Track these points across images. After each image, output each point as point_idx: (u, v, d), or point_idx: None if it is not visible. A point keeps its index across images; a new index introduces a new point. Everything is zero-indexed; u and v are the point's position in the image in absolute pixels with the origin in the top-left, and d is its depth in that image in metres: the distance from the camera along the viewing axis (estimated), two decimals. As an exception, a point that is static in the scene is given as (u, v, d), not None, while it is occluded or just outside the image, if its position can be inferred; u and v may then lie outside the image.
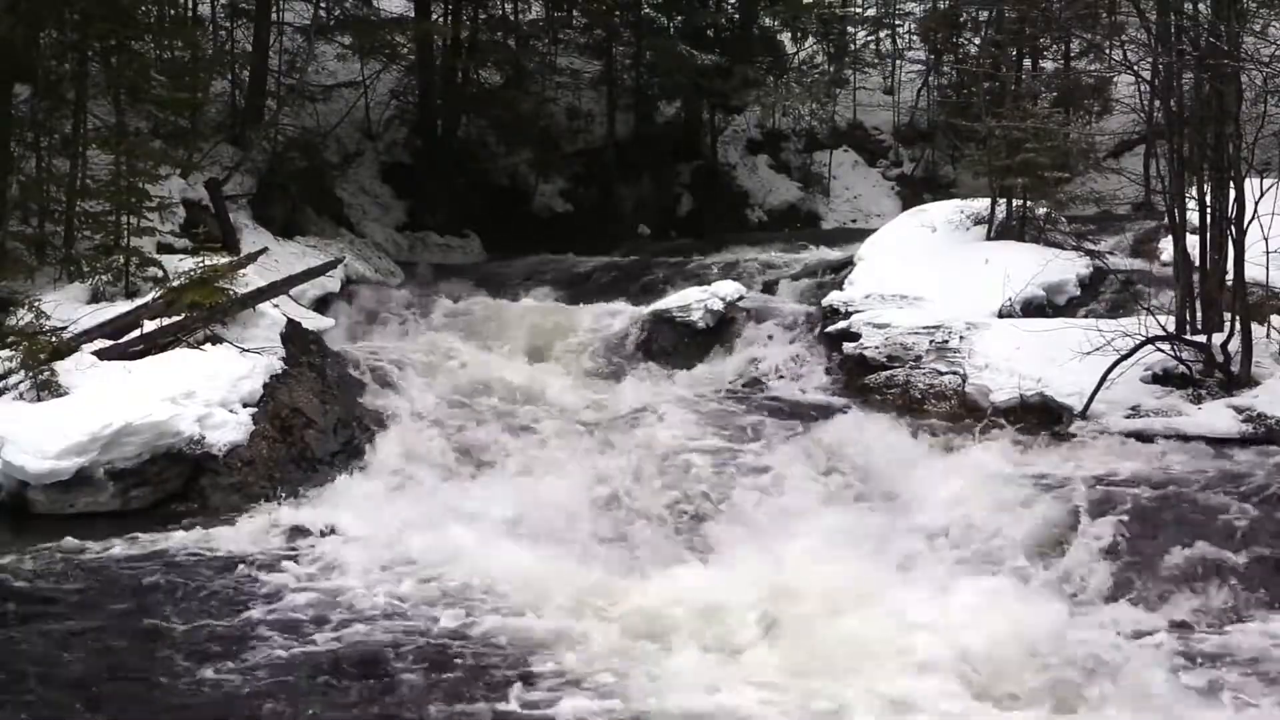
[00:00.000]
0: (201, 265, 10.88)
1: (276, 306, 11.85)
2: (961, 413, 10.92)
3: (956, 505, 8.56)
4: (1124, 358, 10.32)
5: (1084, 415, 10.25)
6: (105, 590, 7.40)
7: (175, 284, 10.83)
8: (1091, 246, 14.10)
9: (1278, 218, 10.27)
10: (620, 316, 13.82)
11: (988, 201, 14.81)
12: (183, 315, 10.71)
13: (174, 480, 9.31)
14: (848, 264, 14.73)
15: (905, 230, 15.14)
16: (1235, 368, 10.29)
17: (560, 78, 23.33)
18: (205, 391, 9.76)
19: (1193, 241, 11.12)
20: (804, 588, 7.31)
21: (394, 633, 6.86)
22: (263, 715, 5.92)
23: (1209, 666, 6.47)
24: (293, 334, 11.34)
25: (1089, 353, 10.40)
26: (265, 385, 10.22)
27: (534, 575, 7.65)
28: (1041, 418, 10.52)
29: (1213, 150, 10.96)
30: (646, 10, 22.80)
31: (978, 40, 21.79)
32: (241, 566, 7.87)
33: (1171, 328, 10.69)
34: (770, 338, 12.99)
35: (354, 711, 5.99)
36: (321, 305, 14.29)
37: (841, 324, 12.57)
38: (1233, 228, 10.55)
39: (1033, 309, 12.65)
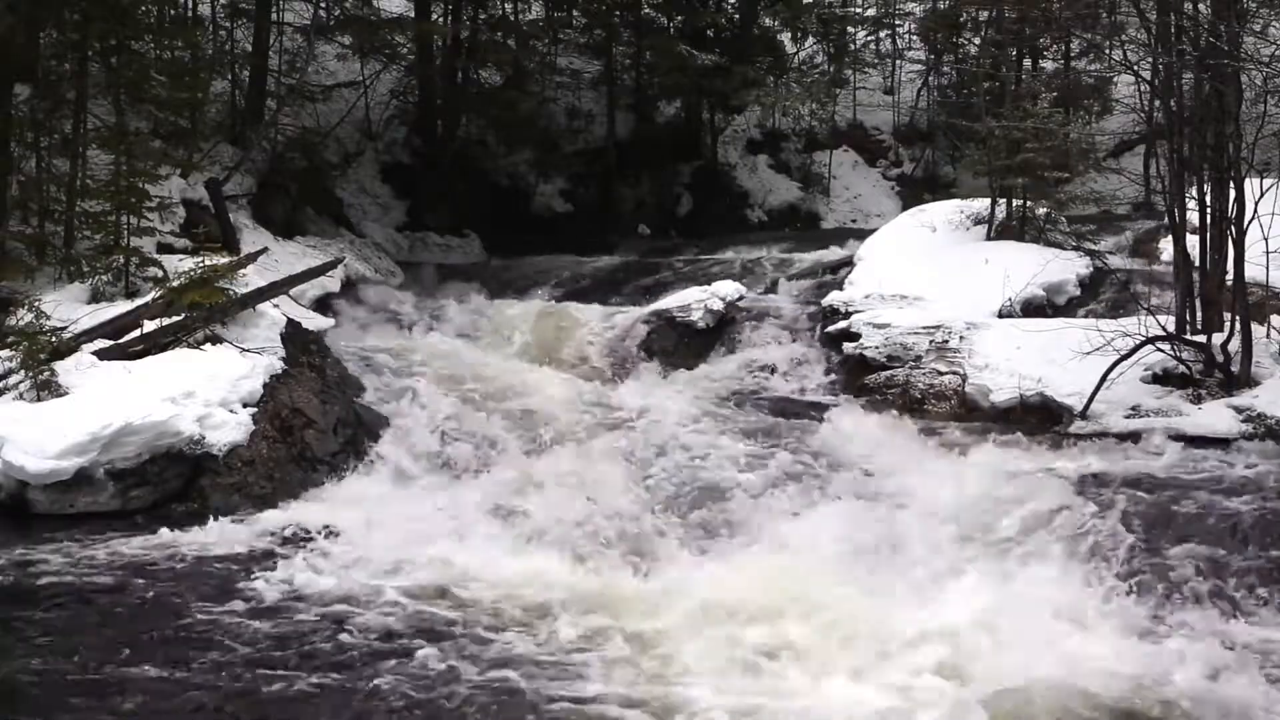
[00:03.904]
0: (201, 265, 10.85)
1: (276, 306, 11.84)
2: (961, 413, 10.94)
3: (957, 505, 8.55)
4: (1124, 358, 10.33)
5: (1084, 415, 10.26)
6: (105, 591, 7.38)
7: (175, 284, 10.81)
8: (1091, 246, 14.12)
9: (1278, 218, 10.28)
10: (620, 317, 13.82)
11: (988, 201, 14.82)
12: (183, 315, 10.69)
13: (174, 480, 9.30)
14: (848, 264, 14.74)
15: (905, 230, 15.16)
16: (1235, 368, 10.30)
17: (560, 78, 23.34)
18: (205, 391, 9.74)
19: (1193, 241, 11.14)
20: (803, 586, 7.32)
21: (393, 635, 6.85)
22: (259, 716, 5.92)
23: (1210, 665, 6.46)
24: (293, 334, 11.32)
25: (1089, 353, 10.41)
26: (265, 385, 10.20)
27: (533, 577, 7.65)
28: (1041, 418, 10.53)
29: (1213, 150, 10.97)
30: (646, 10, 22.80)
31: (978, 40, 21.78)
32: (241, 567, 7.85)
33: (1171, 328, 10.70)
34: (770, 338, 13.01)
35: (349, 715, 5.98)
36: (321, 305, 14.27)
37: (841, 324, 12.59)
38: (1233, 228, 10.56)
39: (1033, 309, 12.67)
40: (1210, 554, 7.61)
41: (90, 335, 10.57)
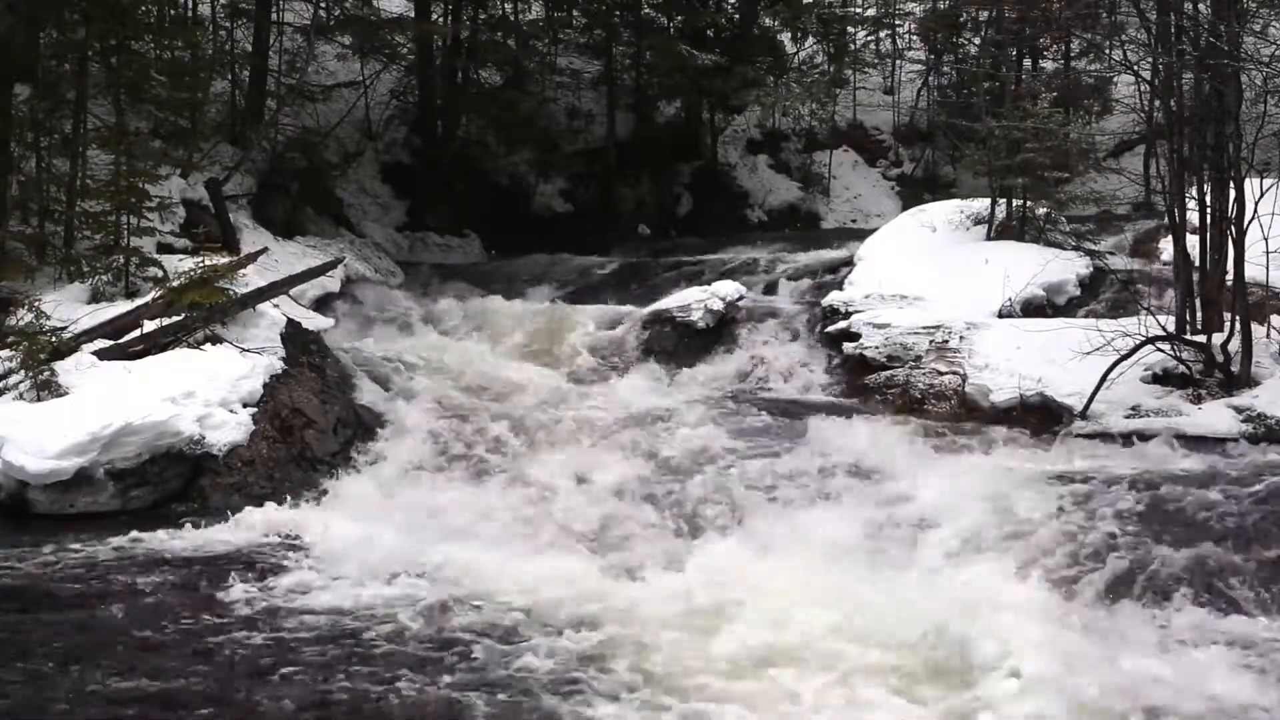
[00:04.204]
0: (201, 265, 10.86)
1: (276, 306, 11.84)
2: (961, 413, 10.93)
3: (957, 505, 8.55)
4: (1124, 358, 10.32)
5: (1084, 415, 10.26)
6: (104, 591, 7.38)
7: (175, 284, 10.82)
8: (1091, 246, 14.12)
9: (1278, 218, 10.28)
10: (620, 317, 13.81)
11: (988, 201, 14.82)
12: (183, 315, 10.70)
13: (174, 480, 9.30)
14: (848, 264, 14.74)
15: (905, 230, 15.15)
16: (1235, 368, 10.30)
17: (560, 78, 23.34)
18: (205, 391, 9.74)
19: (1193, 241, 11.14)
20: (806, 588, 7.32)
21: (393, 636, 6.83)
22: (256, 716, 5.91)
23: (1210, 665, 6.46)
24: (293, 334, 11.32)
25: (1089, 353, 10.40)
26: (265, 385, 10.21)
27: (532, 578, 7.63)
28: (1042, 418, 10.52)
29: (1213, 150, 10.97)
30: (646, 10, 22.80)
31: (978, 40, 21.78)
32: (240, 567, 7.85)
33: (1171, 328, 10.70)
34: (770, 338, 13.00)
35: (346, 716, 5.96)
36: (321, 305, 14.28)
37: (841, 324, 12.58)
38: (1233, 228, 10.56)
39: (1033, 309, 12.66)
40: (1210, 554, 7.60)
41: (90, 335, 10.57)
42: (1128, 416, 10.16)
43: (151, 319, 10.76)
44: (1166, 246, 12.57)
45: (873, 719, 5.95)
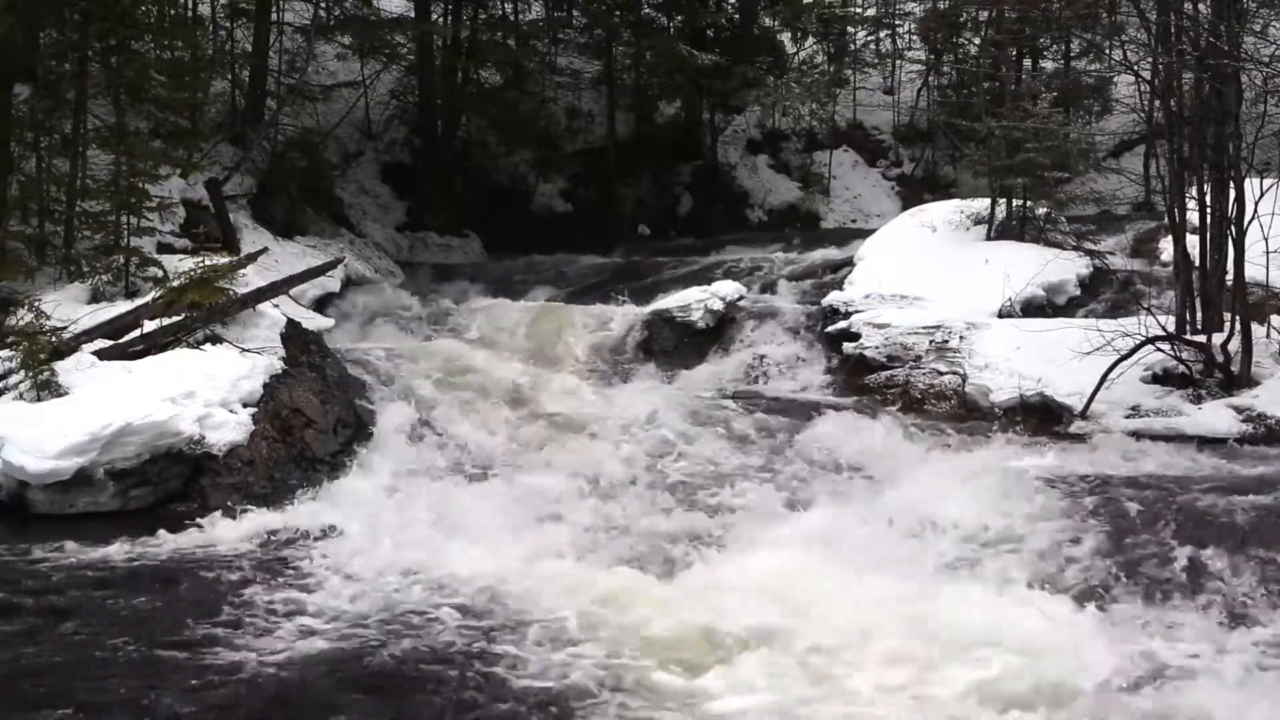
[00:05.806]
0: (201, 265, 10.86)
1: (276, 306, 11.84)
2: (961, 413, 10.94)
3: (956, 506, 8.54)
4: (1124, 358, 10.33)
5: (1084, 415, 10.26)
6: (103, 592, 7.37)
7: (175, 284, 10.82)
8: (1091, 246, 14.12)
9: (1278, 218, 10.29)
10: (620, 317, 13.82)
11: (988, 201, 14.82)
12: (183, 315, 10.71)
13: (174, 480, 9.30)
14: (848, 264, 14.75)
15: (905, 230, 15.16)
16: (1235, 368, 10.30)
17: (560, 78, 23.38)
18: (205, 391, 9.74)
19: (1193, 241, 11.14)
20: (801, 587, 7.31)
21: (393, 638, 6.82)
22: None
23: (1209, 666, 6.46)
24: (293, 334, 11.32)
25: (1089, 353, 10.41)
26: (265, 385, 10.20)
27: (533, 579, 7.63)
28: (1042, 418, 10.53)
29: (1213, 150, 10.97)
30: (646, 10, 22.83)
31: (978, 40, 21.80)
32: (241, 568, 7.83)
33: (1171, 328, 10.71)
34: (770, 338, 13.01)
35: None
36: (321, 305, 14.28)
37: (841, 324, 12.59)
38: (1233, 228, 10.57)
39: (1033, 309, 12.67)
40: (1210, 554, 7.60)
41: (90, 335, 10.57)
42: (1128, 416, 10.16)
43: (151, 319, 10.75)
44: (1166, 246, 12.57)
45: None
